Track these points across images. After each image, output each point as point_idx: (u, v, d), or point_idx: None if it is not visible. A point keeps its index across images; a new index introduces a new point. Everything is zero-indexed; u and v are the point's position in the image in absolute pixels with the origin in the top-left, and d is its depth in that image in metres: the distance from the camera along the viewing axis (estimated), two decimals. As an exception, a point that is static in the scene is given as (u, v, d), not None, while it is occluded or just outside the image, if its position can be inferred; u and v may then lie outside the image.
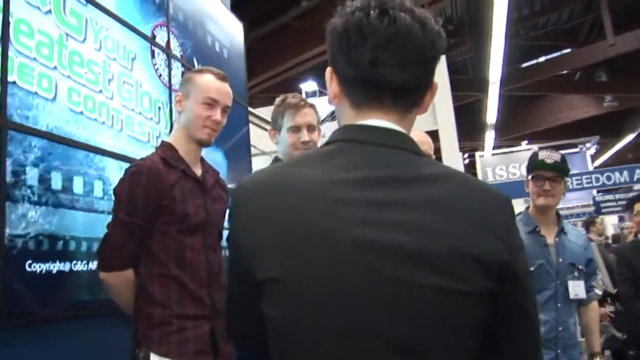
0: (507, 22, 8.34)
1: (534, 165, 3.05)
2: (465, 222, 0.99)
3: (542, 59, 13.07)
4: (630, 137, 15.40)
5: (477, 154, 12.87)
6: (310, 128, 2.46)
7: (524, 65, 12.92)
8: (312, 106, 2.49)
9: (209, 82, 2.13)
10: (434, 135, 8.21)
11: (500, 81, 10.70)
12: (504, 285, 1.01)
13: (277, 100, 2.56)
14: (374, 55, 1.02)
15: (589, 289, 2.92)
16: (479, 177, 11.40)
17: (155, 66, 2.82)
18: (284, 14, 9.01)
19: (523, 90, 12.72)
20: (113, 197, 2.00)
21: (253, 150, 4.42)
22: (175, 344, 1.95)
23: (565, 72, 12.95)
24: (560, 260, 2.81)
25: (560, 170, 2.94)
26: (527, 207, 3.14)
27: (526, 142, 14.31)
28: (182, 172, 2.07)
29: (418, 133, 2.78)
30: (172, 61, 2.97)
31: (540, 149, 3.53)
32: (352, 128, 1.06)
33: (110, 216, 1.99)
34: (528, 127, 14.10)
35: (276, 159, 2.59)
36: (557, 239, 2.93)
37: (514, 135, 14.76)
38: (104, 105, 2.40)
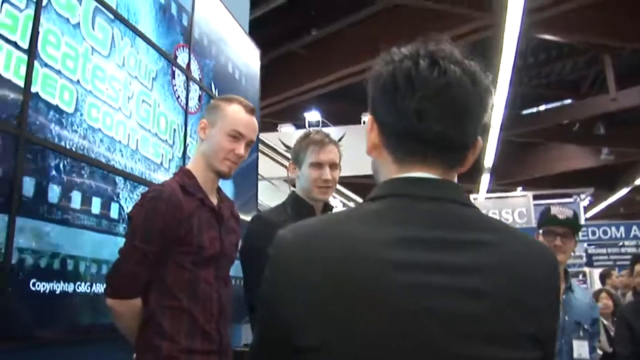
0: (513, 69, 8.40)
1: (546, 220, 3.01)
2: (520, 290, 0.94)
3: (542, 107, 13.15)
4: (624, 192, 15.48)
5: (472, 196, 12.86)
6: (333, 166, 2.42)
7: (524, 112, 12.99)
8: (335, 144, 2.46)
9: (237, 113, 2.06)
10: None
11: (501, 126, 10.74)
12: (546, 350, 0.98)
13: (301, 135, 2.52)
14: (421, 107, 0.95)
15: (591, 349, 2.88)
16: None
17: (175, 87, 2.77)
18: (292, 41, 9.03)
19: (521, 136, 12.78)
20: (128, 222, 1.92)
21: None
22: None
23: (564, 122, 13.02)
24: (567, 318, 2.77)
25: (573, 226, 2.91)
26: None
27: (521, 188, 14.33)
28: (199, 200, 2.00)
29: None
30: (191, 84, 2.93)
31: (552, 204, 3.48)
32: (401, 181, 0.99)
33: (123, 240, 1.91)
34: (524, 173, 14.15)
35: (293, 194, 2.54)
36: (564, 296, 2.88)
37: (509, 180, 14.80)
38: (122, 124, 2.34)
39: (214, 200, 2.08)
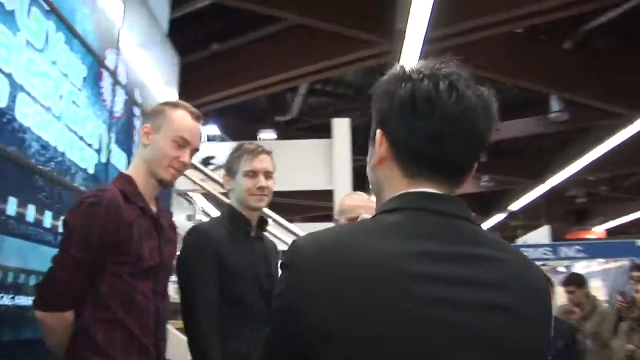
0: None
1: None
2: (529, 305, 1.00)
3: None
4: (500, 217, 16.46)
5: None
6: (267, 175, 2.41)
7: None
8: (269, 153, 2.45)
9: (183, 119, 1.97)
10: (328, 195, 8.28)
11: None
12: (545, 357, 1.05)
13: (234, 147, 2.50)
14: (438, 131, 1.00)
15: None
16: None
17: (102, 90, 2.64)
18: (193, 53, 8.88)
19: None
20: (62, 229, 1.79)
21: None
22: None
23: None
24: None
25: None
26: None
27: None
28: (140, 209, 1.90)
29: (364, 198, 2.79)
30: (118, 88, 2.80)
31: (528, 227, 3.66)
32: (417, 196, 1.02)
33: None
34: (409, 196, 14.58)
35: (229, 208, 2.50)
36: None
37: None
38: (51, 124, 2.19)
39: (154, 209, 1.99)
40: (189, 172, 4.37)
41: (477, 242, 1.00)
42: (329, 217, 7.66)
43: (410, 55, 6.97)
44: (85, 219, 1.77)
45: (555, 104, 9.40)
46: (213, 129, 9.57)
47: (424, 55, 7.33)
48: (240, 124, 10.99)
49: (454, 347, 0.91)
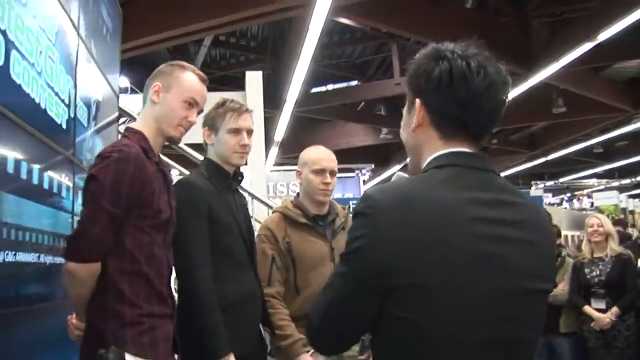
0: (315, 50, 8.83)
1: None
2: (543, 237, 1.30)
3: (330, 87, 13.93)
4: (397, 168, 17.14)
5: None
6: (249, 133, 2.54)
7: (313, 90, 13.64)
8: (251, 112, 2.57)
9: (193, 81, 2.10)
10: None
11: (295, 102, 11.22)
12: (553, 282, 1.40)
13: (217, 102, 2.58)
14: (470, 100, 1.25)
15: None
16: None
17: (68, 44, 2.61)
18: None
19: (309, 113, 13.44)
20: (88, 182, 1.85)
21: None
22: (148, 344, 1.86)
23: (350, 102, 13.93)
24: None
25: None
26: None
27: (308, 162, 15.05)
28: (156, 164, 2.01)
29: (327, 151, 2.97)
30: (79, 40, 2.77)
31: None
32: (456, 155, 1.28)
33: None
34: (310, 148, 14.85)
35: (207, 160, 2.59)
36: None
37: (296, 154, 15.42)
38: (35, 81, 2.18)
39: None
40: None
41: (504, 190, 1.28)
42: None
43: (321, 10, 7.09)
44: (115, 174, 1.84)
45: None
46: (123, 81, 9.30)
47: (333, 11, 7.49)
48: (145, 76, 10.73)
49: (498, 272, 1.19)
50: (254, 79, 8.50)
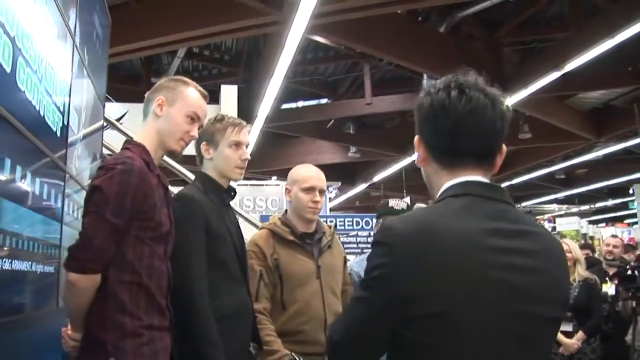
0: (289, 66, 8.89)
1: (384, 211, 3.49)
2: (558, 267, 1.34)
3: (300, 103, 13.99)
4: (362, 187, 17.28)
5: (231, 183, 13.21)
6: (247, 147, 2.57)
7: (284, 106, 13.69)
8: (248, 128, 2.61)
9: (197, 97, 2.15)
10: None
11: (266, 118, 11.24)
12: (565, 309, 1.44)
13: (214, 117, 2.61)
14: (454, 129, 1.31)
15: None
16: (230, 204, 11.75)
17: (65, 50, 2.61)
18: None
19: (279, 129, 13.47)
20: (92, 193, 1.86)
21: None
22: (148, 356, 1.87)
23: (320, 119, 14.00)
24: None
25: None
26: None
27: (275, 177, 15.09)
28: (157, 177, 2.02)
29: (315, 169, 3.01)
30: (75, 49, 2.77)
31: (389, 197, 3.97)
32: (470, 184, 1.33)
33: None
34: (278, 164, 14.90)
35: (202, 175, 2.61)
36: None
37: (263, 169, 15.47)
38: (36, 87, 2.17)
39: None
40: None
41: (520, 220, 1.32)
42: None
43: (298, 28, 7.15)
44: (119, 186, 1.85)
45: (426, 83, 9.98)
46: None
47: (310, 29, 7.57)
48: (118, 85, 10.64)
49: (515, 300, 1.23)
50: (229, 93, 8.52)
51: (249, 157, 2.59)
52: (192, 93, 2.14)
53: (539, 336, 1.27)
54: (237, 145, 2.55)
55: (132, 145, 2.05)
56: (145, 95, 2.16)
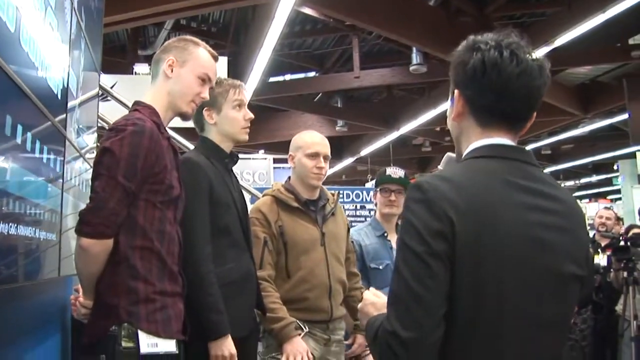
0: (278, 39, 8.81)
1: (382, 179, 3.49)
2: (580, 227, 1.38)
3: (288, 76, 13.89)
4: (349, 160, 17.28)
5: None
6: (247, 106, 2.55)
7: (271, 79, 13.60)
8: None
9: (208, 58, 2.11)
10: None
11: (254, 91, 11.16)
12: (589, 269, 1.44)
13: (216, 80, 2.56)
14: (504, 88, 1.31)
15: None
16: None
17: (66, 17, 2.54)
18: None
19: (266, 102, 13.39)
20: (102, 155, 1.81)
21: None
22: (162, 322, 1.85)
23: (307, 92, 13.93)
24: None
25: (404, 184, 3.41)
26: (374, 215, 3.57)
27: (262, 151, 15.04)
28: (167, 139, 1.98)
29: (319, 135, 2.99)
30: (73, 14, 2.70)
31: (375, 171, 3.97)
32: (497, 147, 1.36)
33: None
34: (265, 137, 14.82)
35: (204, 139, 2.57)
36: (398, 244, 3.38)
37: (250, 142, 15.36)
38: (39, 50, 2.10)
39: None
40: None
41: (544, 180, 1.36)
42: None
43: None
44: (131, 148, 1.81)
45: (415, 57, 9.94)
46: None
47: (299, 1, 7.50)
48: (104, 57, 10.48)
49: (543, 255, 1.27)
50: (220, 65, 8.38)
51: (252, 116, 2.55)
52: (203, 54, 2.10)
53: (566, 292, 1.30)
54: (242, 104, 2.52)
55: (141, 106, 2.00)
56: (154, 55, 2.11)
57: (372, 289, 1.57)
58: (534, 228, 1.26)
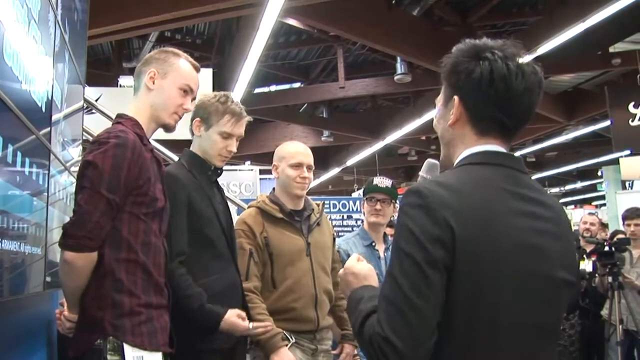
0: (263, 50, 8.83)
1: (369, 188, 3.51)
2: (568, 233, 1.40)
3: (273, 87, 13.91)
4: (336, 170, 17.30)
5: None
6: (238, 139, 2.53)
7: (256, 90, 13.61)
8: (247, 119, 2.57)
9: (189, 69, 2.10)
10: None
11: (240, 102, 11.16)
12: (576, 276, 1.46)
13: (218, 96, 2.55)
14: (507, 102, 1.34)
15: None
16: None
17: (49, 29, 2.54)
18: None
19: (252, 113, 13.33)
20: (85, 168, 1.81)
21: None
22: (147, 334, 1.84)
23: (292, 103, 13.96)
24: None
25: (390, 194, 3.42)
26: (362, 224, 3.59)
27: (249, 162, 15.03)
28: (150, 151, 1.99)
29: (303, 145, 3.00)
30: (57, 27, 2.70)
31: (362, 181, 3.99)
32: (493, 154, 1.37)
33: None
34: (251, 148, 14.82)
35: (190, 153, 2.57)
36: (385, 254, 3.39)
37: (237, 154, 15.30)
38: (22, 63, 2.10)
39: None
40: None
41: (533, 187, 1.38)
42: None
43: (273, 10, 7.09)
44: (114, 160, 1.81)
45: (400, 66, 10.01)
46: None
47: (284, 11, 7.52)
48: (89, 70, 10.46)
49: (537, 260, 1.28)
50: (205, 76, 8.41)
51: (235, 150, 2.55)
52: (184, 65, 2.10)
53: (557, 298, 1.32)
54: (228, 136, 2.52)
55: (124, 119, 2.00)
56: (136, 68, 2.11)
57: (355, 254, 1.55)
58: (529, 234, 1.28)
